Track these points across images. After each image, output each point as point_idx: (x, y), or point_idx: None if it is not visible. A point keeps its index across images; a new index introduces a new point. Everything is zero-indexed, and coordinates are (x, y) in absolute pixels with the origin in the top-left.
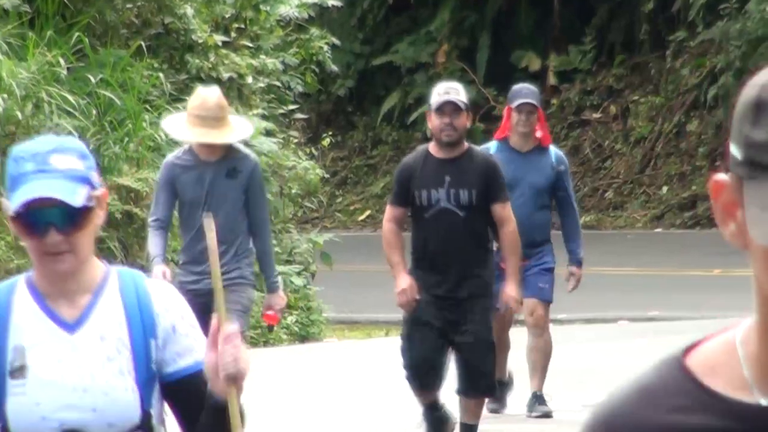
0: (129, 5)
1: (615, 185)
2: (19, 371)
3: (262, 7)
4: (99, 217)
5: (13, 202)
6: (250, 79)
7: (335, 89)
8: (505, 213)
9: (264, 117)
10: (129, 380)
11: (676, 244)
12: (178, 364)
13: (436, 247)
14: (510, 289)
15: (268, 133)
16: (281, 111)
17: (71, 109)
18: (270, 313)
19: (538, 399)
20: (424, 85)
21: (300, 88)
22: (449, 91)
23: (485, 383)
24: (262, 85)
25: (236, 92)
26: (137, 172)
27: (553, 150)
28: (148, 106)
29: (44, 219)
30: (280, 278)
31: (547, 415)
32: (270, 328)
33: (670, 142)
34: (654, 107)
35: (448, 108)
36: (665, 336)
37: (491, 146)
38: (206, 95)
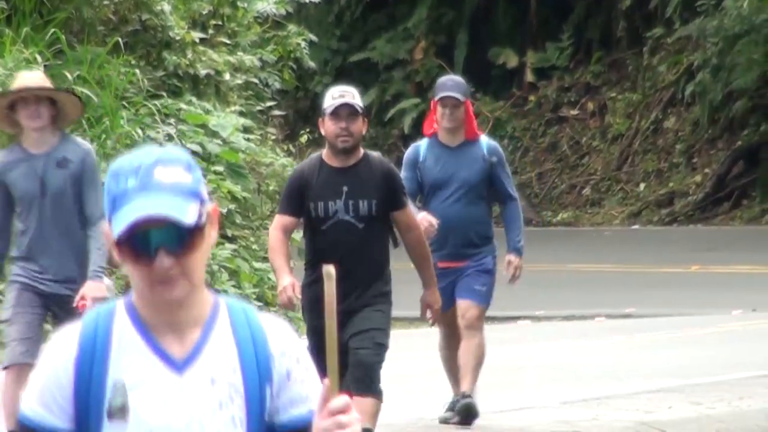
0: (106, 2)
1: (592, 182)
2: (119, 412)
3: (239, 3)
4: (211, 237)
5: (116, 225)
6: (227, 76)
7: (313, 86)
8: (408, 219)
9: (241, 114)
10: None
11: (653, 240)
12: (291, 414)
13: (332, 260)
14: (428, 297)
15: (246, 130)
16: (259, 108)
17: None
18: (83, 302)
19: (465, 397)
20: (402, 82)
21: (277, 85)
22: (344, 94)
23: (372, 384)
24: (239, 81)
25: (214, 89)
26: None
27: (485, 141)
28: (125, 103)
29: (152, 241)
30: (103, 271)
31: (469, 418)
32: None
33: (647, 139)
34: (631, 104)
35: (344, 112)
36: (642, 333)
37: (422, 144)
38: (29, 77)
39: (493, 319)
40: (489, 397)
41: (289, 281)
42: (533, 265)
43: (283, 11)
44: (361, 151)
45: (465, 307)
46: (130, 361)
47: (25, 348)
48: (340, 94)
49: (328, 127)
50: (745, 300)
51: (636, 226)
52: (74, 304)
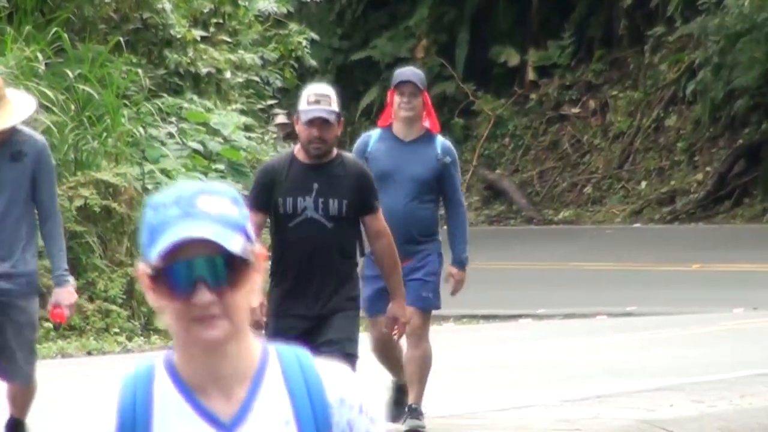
0: (107, 0)
1: (594, 180)
2: None
3: (240, 2)
4: (255, 282)
5: (154, 254)
6: (228, 75)
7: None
8: (380, 225)
9: (243, 112)
10: None
11: (654, 239)
12: None
13: (298, 260)
14: (395, 309)
15: (247, 128)
16: (260, 106)
17: (50, 105)
18: (58, 311)
19: (412, 412)
20: None
21: (279, 84)
22: (320, 99)
23: None
24: (240, 80)
25: (215, 87)
26: (116, 167)
27: (440, 140)
28: (126, 102)
29: (191, 273)
30: (68, 272)
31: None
32: (57, 327)
33: (648, 137)
34: (633, 102)
35: (318, 121)
36: (643, 331)
37: (373, 134)
38: None
39: (495, 317)
40: (490, 396)
41: (256, 302)
42: (535, 264)
43: (284, 10)
44: (335, 151)
45: (409, 315)
46: (175, 427)
47: None
48: (315, 99)
49: (301, 131)
50: (746, 298)
51: (637, 225)
52: (48, 314)
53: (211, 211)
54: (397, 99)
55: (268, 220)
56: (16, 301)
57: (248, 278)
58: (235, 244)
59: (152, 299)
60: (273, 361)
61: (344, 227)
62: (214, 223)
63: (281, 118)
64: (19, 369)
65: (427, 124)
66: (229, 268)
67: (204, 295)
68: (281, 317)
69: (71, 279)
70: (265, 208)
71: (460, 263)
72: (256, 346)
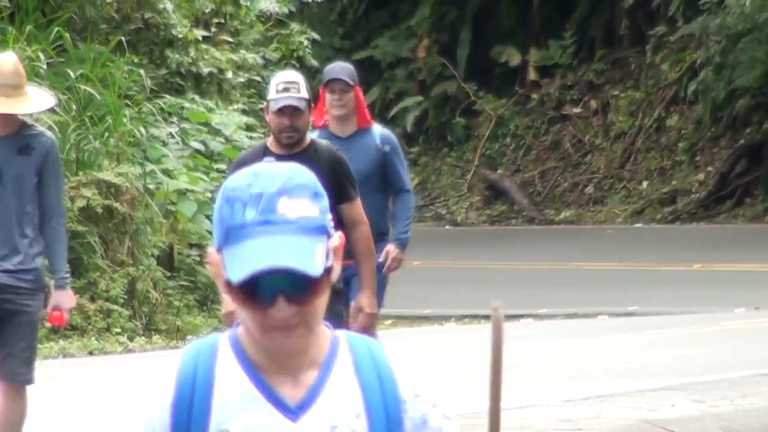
0: (109, 0)
1: (595, 180)
2: None
3: (242, 2)
4: (335, 273)
5: (231, 266)
6: (230, 74)
7: (315, 85)
8: (356, 213)
9: (244, 112)
10: None
11: (656, 238)
12: None
13: None
14: (364, 301)
15: (249, 128)
16: (261, 106)
17: None
18: (56, 314)
19: None
20: (405, 80)
21: None
22: (288, 87)
23: None
24: (242, 80)
25: (216, 87)
26: (117, 166)
27: (378, 130)
28: (128, 102)
29: (271, 287)
30: (69, 275)
31: None
32: (55, 330)
33: (650, 137)
34: (634, 102)
35: (288, 109)
36: (645, 331)
37: (311, 136)
38: (0, 61)
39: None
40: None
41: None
42: (536, 264)
43: (285, 9)
44: (308, 139)
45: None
46: (237, 407)
47: None
48: (284, 88)
49: (271, 120)
50: (748, 298)
51: (639, 225)
52: (47, 316)
53: (291, 216)
54: (328, 97)
55: None
56: (20, 299)
57: (328, 283)
58: (317, 259)
59: (226, 295)
60: (343, 350)
61: None
62: (295, 233)
63: None
64: (17, 368)
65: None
66: (309, 281)
67: (284, 309)
68: None
69: (69, 282)
70: None
71: (400, 241)
72: (326, 333)
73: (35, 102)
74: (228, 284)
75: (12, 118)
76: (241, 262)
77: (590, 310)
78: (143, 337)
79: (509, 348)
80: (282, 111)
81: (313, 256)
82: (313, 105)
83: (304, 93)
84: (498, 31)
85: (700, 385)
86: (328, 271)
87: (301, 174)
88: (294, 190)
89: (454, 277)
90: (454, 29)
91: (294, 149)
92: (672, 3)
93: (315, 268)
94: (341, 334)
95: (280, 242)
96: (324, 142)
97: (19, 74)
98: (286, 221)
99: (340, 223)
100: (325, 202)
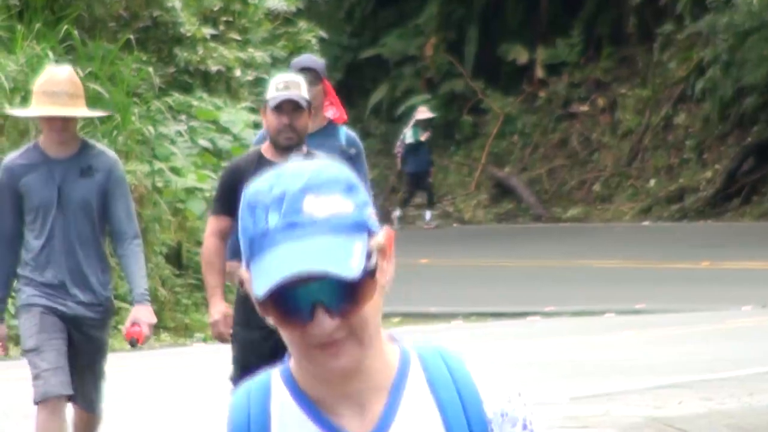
0: None
1: (602, 178)
2: None
3: (250, 0)
4: (386, 274)
5: (256, 279)
6: (238, 72)
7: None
8: None
9: (252, 110)
10: None
11: (663, 236)
12: None
13: None
14: None
15: (257, 126)
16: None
17: None
18: (136, 329)
19: None
20: (413, 78)
21: None
22: (289, 85)
23: None
24: (250, 78)
25: (224, 85)
26: (126, 164)
27: (344, 131)
28: (136, 100)
29: (306, 298)
30: (148, 292)
31: None
32: (132, 345)
33: (657, 135)
34: (641, 100)
35: (288, 106)
36: (652, 328)
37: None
38: (56, 71)
39: (503, 314)
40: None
41: (220, 314)
42: (543, 261)
43: (293, 8)
44: (305, 148)
45: None
46: None
47: (60, 379)
48: (284, 86)
49: (270, 120)
50: (755, 296)
51: (646, 222)
52: (124, 332)
53: (320, 215)
54: None
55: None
56: (92, 331)
57: (374, 286)
58: (354, 260)
59: (256, 306)
60: (415, 368)
61: None
62: (326, 233)
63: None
64: (87, 395)
65: (330, 114)
66: (350, 286)
67: (324, 323)
68: (253, 328)
69: (149, 298)
70: (230, 212)
71: None
72: (392, 351)
73: (90, 111)
74: (261, 303)
75: (73, 141)
76: (262, 275)
77: (597, 308)
78: (152, 336)
79: (516, 346)
80: (281, 107)
81: (349, 257)
82: (312, 109)
83: (305, 94)
84: (505, 29)
85: (707, 382)
86: (372, 273)
87: (330, 167)
88: (322, 186)
89: (461, 274)
90: (462, 27)
91: (291, 155)
92: (680, 1)
93: (350, 270)
94: (411, 348)
95: (306, 246)
96: (319, 155)
97: (74, 83)
98: (313, 221)
99: None
100: (363, 195)
